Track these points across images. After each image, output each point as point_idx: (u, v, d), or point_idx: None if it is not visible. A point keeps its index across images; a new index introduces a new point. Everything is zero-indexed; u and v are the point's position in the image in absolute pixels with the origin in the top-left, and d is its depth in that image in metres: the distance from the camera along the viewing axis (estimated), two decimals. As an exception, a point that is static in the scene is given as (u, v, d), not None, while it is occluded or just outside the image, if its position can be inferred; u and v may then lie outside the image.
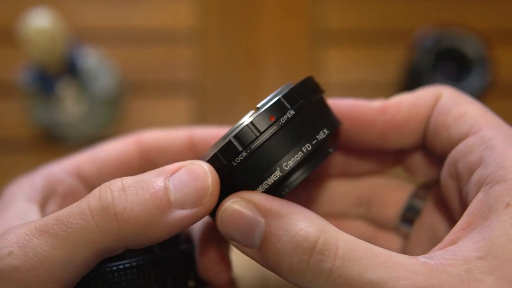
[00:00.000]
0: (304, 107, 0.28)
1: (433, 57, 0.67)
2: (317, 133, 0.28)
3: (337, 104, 0.32)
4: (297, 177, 0.28)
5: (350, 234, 0.37)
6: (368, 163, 0.36)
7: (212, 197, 0.27)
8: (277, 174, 0.27)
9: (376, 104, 0.32)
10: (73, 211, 0.26)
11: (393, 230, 0.36)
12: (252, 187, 0.27)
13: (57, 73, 0.64)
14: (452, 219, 0.32)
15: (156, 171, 0.27)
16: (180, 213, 0.26)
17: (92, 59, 0.68)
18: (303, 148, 0.27)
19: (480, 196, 0.26)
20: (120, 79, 0.71)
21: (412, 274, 0.23)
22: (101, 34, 0.74)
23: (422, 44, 0.69)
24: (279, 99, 0.27)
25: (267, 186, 0.27)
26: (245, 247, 0.27)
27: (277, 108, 0.27)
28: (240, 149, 0.27)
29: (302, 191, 0.37)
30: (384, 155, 0.36)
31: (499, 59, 0.70)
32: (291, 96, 0.27)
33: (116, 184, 0.26)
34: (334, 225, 0.29)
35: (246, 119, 0.27)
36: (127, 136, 0.36)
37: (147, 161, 0.35)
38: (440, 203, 0.33)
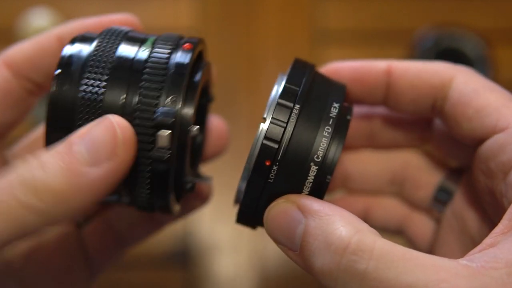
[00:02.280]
0: (305, 95, 0.28)
1: (433, 57, 0.67)
2: (329, 110, 0.28)
3: (343, 66, 0.32)
4: (332, 160, 0.28)
5: (385, 212, 0.37)
6: (393, 135, 0.36)
7: (125, 145, 0.26)
8: (313, 169, 0.27)
9: (382, 65, 0.32)
10: None
11: (426, 211, 0.36)
12: (298, 191, 0.27)
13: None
14: (482, 212, 0.31)
15: (68, 139, 0.26)
16: (96, 171, 0.25)
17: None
18: (324, 133, 0.27)
19: None
20: (120, 79, 0.70)
21: (454, 277, 0.23)
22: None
23: (422, 44, 0.69)
24: (278, 102, 0.27)
25: (310, 184, 0.27)
26: (289, 250, 0.27)
27: (282, 111, 0.27)
28: (269, 165, 0.27)
29: (337, 170, 0.37)
30: (409, 129, 0.35)
31: (499, 59, 0.70)
32: (289, 92, 0.28)
33: (32, 160, 0.26)
34: (369, 202, 0.29)
35: (260, 135, 0.27)
36: None
37: (25, 80, 0.33)
38: (471, 192, 0.33)
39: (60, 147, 0.26)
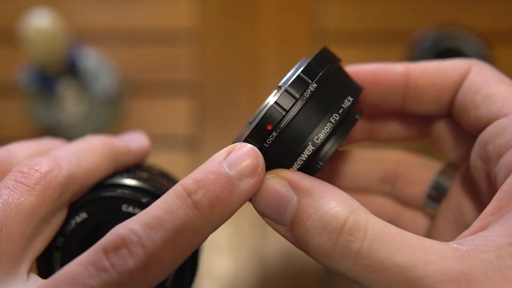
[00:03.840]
0: (325, 78, 0.28)
1: (433, 57, 0.67)
2: (342, 101, 0.28)
3: (362, 68, 0.32)
4: (329, 148, 0.28)
5: (375, 211, 0.37)
6: (393, 129, 0.36)
7: (263, 166, 0.27)
8: (310, 148, 0.27)
9: (400, 67, 0.32)
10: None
11: (419, 209, 0.36)
12: (288, 165, 0.28)
13: (57, 73, 0.64)
14: (480, 201, 0.32)
15: (212, 161, 0.27)
16: (244, 184, 0.26)
17: (92, 59, 0.68)
18: (331, 119, 0.27)
19: (510, 180, 0.26)
20: (120, 79, 0.71)
21: (442, 259, 0.23)
22: (101, 34, 0.74)
23: (421, 44, 0.69)
24: (299, 75, 0.28)
25: (302, 162, 0.27)
26: (276, 224, 0.27)
27: (299, 84, 0.27)
28: (269, 130, 0.27)
29: (327, 165, 0.37)
30: (409, 123, 0.35)
31: (499, 59, 0.70)
32: (311, 70, 0.28)
33: (189, 184, 0.26)
34: (359, 200, 0.30)
35: (271, 99, 0.28)
36: None
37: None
38: (468, 183, 0.33)
39: (210, 167, 0.27)
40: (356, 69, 0.32)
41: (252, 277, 0.62)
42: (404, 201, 0.37)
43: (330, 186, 0.27)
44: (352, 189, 0.38)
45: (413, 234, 0.25)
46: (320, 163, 0.28)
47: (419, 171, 0.36)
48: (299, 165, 0.28)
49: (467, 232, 0.26)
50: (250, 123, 0.28)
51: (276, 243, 0.62)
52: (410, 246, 0.24)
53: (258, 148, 0.27)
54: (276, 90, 0.28)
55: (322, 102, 0.28)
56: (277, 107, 0.27)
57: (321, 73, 0.28)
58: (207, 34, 0.74)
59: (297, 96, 0.27)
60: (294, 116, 0.27)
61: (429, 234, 0.35)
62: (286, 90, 0.27)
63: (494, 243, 0.24)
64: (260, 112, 0.28)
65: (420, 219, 0.36)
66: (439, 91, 0.31)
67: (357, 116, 0.29)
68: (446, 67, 0.31)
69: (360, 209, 0.25)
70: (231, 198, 0.26)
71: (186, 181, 0.26)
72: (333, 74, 0.29)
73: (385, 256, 0.24)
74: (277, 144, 0.27)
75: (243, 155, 0.27)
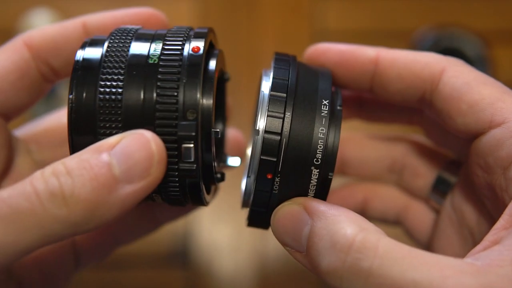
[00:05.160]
0: (293, 99, 0.27)
1: (433, 57, 0.67)
2: (320, 110, 0.28)
3: (332, 47, 0.32)
4: (331, 155, 0.28)
5: (384, 203, 0.37)
6: (381, 110, 0.36)
7: (159, 165, 0.26)
8: (315, 173, 0.27)
9: (371, 52, 0.32)
10: (17, 192, 0.24)
11: (425, 201, 0.36)
12: (303, 193, 0.28)
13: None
14: (480, 205, 0.31)
15: (95, 147, 0.25)
16: (128, 188, 0.25)
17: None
18: (320, 135, 0.27)
19: None
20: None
21: (458, 274, 0.23)
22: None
23: (421, 44, 0.69)
24: (268, 114, 0.27)
25: (314, 187, 0.28)
26: (296, 252, 0.27)
27: (274, 122, 0.27)
28: (271, 178, 0.27)
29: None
30: (397, 109, 0.35)
31: (499, 59, 0.70)
32: (278, 102, 0.27)
33: (59, 168, 0.25)
34: (369, 189, 0.29)
35: (256, 151, 0.27)
36: (13, 41, 0.32)
37: (43, 63, 0.32)
38: (469, 186, 0.32)
39: (88, 155, 0.25)
40: (326, 49, 0.32)
41: (252, 277, 0.62)
42: (411, 192, 0.36)
43: (343, 208, 0.26)
44: (361, 177, 0.38)
45: (425, 251, 0.24)
46: (330, 174, 0.28)
47: (425, 163, 0.36)
48: (314, 191, 0.28)
49: (479, 247, 0.25)
50: (255, 179, 0.28)
51: (276, 243, 0.62)
52: (424, 262, 0.23)
53: (270, 197, 0.27)
54: (256, 136, 0.28)
55: (303, 123, 0.27)
56: (267, 160, 0.27)
57: (286, 100, 0.27)
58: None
59: (278, 136, 0.27)
60: (285, 154, 0.27)
61: (434, 231, 0.35)
62: (267, 135, 0.27)
63: (509, 257, 0.23)
64: (252, 164, 0.28)
65: (426, 213, 0.36)
66: (406, 85, 0.31)
67: (339, 107, 0.29)
68: (417, 62, 0.30)
69: (371, 229, 0.25)
70: (108, 202, 0.25)
71: (57, 168, 0.25)
72: (297, 84, 0.28)
73: (398, 273, 0.23)
74: (284, 185, 0.27)
75: (136, 146, 0.25)
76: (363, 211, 0.38)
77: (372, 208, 0.37)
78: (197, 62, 0.27)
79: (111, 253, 0.36)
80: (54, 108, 0.66)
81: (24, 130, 0.35)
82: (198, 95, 0.27)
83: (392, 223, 0.37)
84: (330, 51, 0.32)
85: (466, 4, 0.76)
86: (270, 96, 0.27)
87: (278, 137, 0.27)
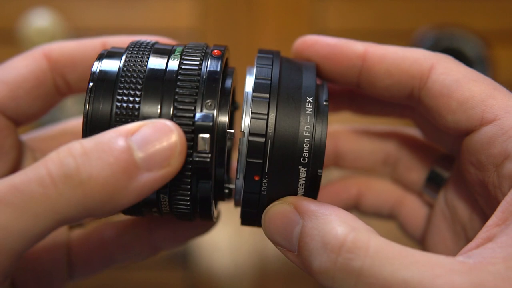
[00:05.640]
0: (277, 98, 0.27)
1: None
2: (305, 107, 0.27)
3: (320, 40, 0.32)
4: (318, 152, 0.27)
5: (378, 197, 0.36)
6: (371, 102, 0.35)
7: (180, 156, 0.25)
8: (303, 171, 0.27)
9: (359, 47, 0.31)
10: (29, 177, 0.23)
11: (419, 195, 0.36)
12: (293, 193, 0.28)
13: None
14: (473, 201, 0.31)
15: (115, 130, 0.25)
16: (147, 176, 0.24)
17: (92, 59, 0.68)
18: (305, 133, 0.27)
19: None
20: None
21: (449, 272, 0.23)
22: (101, 34, 0.74)
23: (421, 44, 0.69)
24: (252, 116, 0.27)
25: (303, 185, 0.27)
26: (288, 251, 0.27)
27: (258, 123, 0.27)
28: (258, 179, 0.27)
29: (331, 145, 0.36)
30: (388, 103, 0.35)
31: (499, 59, 0.70)
32: (261, 104, 0.27)
33: (76, 148, 0.24)
34: (364, 182, 0.28)
35: (242, 153, 0.27)
36: (33, 50, 0.32)
37: (59, 76, 0.32)
38: (461, 182, 0.32)
39: (108, 138, 0.24)
40: (314, 41, 0.32)
41: (252, 277, 0.62)
42: (405, 185, 0.36)
43: (334, 208, 0.26)
44: (355, 170, 0.37)
45: (416, 250, 0.24)
46: (320, 170, 0.28)
47: (419, 157, 0.36)
48: (303, 189, 0.28)
49: (472, 244, 0.25)
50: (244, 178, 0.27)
51: (276, 243, 0.62)
52: (414, 261, 0.23)
53: (260, 197, 0.27)
54: (241, 137, 0.28)
55: (287, 123, 0.27)
56: (253, 163, 0.27)
57: (269, 101, 0.27)
58: (207, 34, 0.74)
59: (265, 116, 0.27)
60: (272, 148, 0.27)
61: (427, 226, 0.35)
62: (252, 137, 0.27)
63: (501, 254, 0.23)
64: (241, 165, 0.27)
65: (420, 207, 0.36)
66: (394, 82, 0.30)
67: (325, 103, 0.28)
68: (405, 58, 0.30)
69: (362, 228, 0.25)
70: (126, 188, 0.24)
71: (73, 147, 0.24)
72: (279, 84, 0.28)
73: (389, 273, 0.23)
74: (273, 184, 0.27)
75: (158, 134, 0.25)
76: (357, 205, 0.38)
77: (366, 202, 0.37)
78: (215, 78, 0.27)
79: (104, 270, 0.36)
80: (54, 108, 0.66)
81: (29, 137, 0.35)
82: (215, 112, 0.27)
83: (386, 217, 0.37)
84: (317, 44, 0.32)
85: (466, 4, 0.76)
86: (253, 97, 0.27)
87: (263, 139, 0.27)
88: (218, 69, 0.28)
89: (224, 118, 0.28)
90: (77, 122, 0.36)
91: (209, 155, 0.26)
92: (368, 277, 0.23)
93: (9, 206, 0.23)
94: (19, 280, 0.32)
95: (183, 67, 0.28)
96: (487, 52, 0.69)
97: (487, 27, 0.73)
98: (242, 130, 0.27)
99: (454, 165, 0.34)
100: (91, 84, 0.27)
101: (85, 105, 0.27)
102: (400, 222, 0.37)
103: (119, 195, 0.24)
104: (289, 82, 0.28)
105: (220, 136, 0.27)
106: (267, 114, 0.27)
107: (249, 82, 0.29)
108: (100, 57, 0.29)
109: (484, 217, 0.30)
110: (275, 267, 0.63)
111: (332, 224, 0.25)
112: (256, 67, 0.28)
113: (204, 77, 0.27)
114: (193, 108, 0.27)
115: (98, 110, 0.27)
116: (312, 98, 0.28)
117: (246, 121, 0.27)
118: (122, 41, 0.32)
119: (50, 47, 0.32)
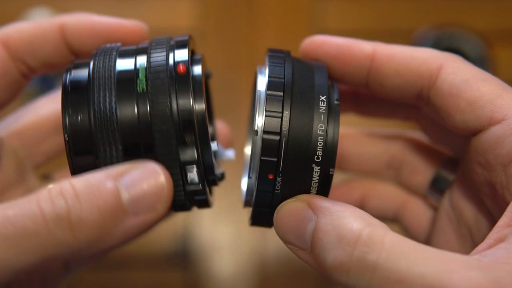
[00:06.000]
0: (290, 97, 0.27)
1: (433, 57, 0.67)
2: (318, 106, 0.28)
3: (329, 40, 0.32)
4: (331, 151, 0.28)
5: (382, 200, 0.36)
6: (377, 104, 0.35)
7: (166, 202, 0.26)
8: (316, 169, 0.27)
9: (368, 47, 0.31)
10: (22, 212, 0.24)
11: (423, 198, 0.36)
12: (306, 191, 0.28)
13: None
14: (479, 202, 0.31)
15: (105, 172, 0.25)
16: (134, 220, 0.25)
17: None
18: (319, 131, 0.27)
19: None
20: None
21: (466, 268, 0.23)
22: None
23: (421, 44, 0.69)
24: (266, 114, 0.27)
25: (316, 184, 0.27)
26: (299, 250, 0.27)
27: (272, 122, 0.27)
28: (272, 178, 0.27)
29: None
30: (394, 105, 0.35)
31: (499, 59, 0.70)
32: (275, 102, 0.27)
33: (66, 188, 0.25)
34: (368, 186, 0.28)
35: (256, 152, 0.27)
36: None
37: (21, 63, 0.32)
38: (466, 183, 0.32)
39: (97, 180, 0.25)
40: (323, 41, 0.32)
41: (252, 277, 0.62)
42: (409, 188, 0.36)
43: (347, 205, 0.26)
44: (359, 173, 0.37)
45: (431, 247, 0.24)
46: (331, 169, 0.28)
47: (424, 160, 0.36)
48: (316, 188, 0.28)
49: (483, 245, 0.25)
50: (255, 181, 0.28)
51: (276, 243, 0.62)
52: (430, 257, 0.23)
53: (273, 196, 0.27)
54: (255, 136, 0.28)
55: (302, 121, 0.27)
56: (268, 162, 0.27)
57: (283, 100, 0.27)
58: (207, 34, 0.74)
59: (279, 115, 0.27)
60: (285, 151, 0.27)
61: (432, 229, 0.35)
62: (266, 135, 0.27)
63: None
64: (253, 167, 0.28)
65: (424, 210, 0.36)
66: (403, 81, 0.30)
67: (336, 102, 0.28)
68: (414, 58, 0.30)
69: (377, 224, 0.25)
70: (113, 231, 0.25)
71: (64, 188, 0.24)
72: (296, 79, 0.28)
73: (405, 267, 0.23)
74: (286, 183, 0.27)
75: (146, 178, 0.25)
76: (361, 209, 0.37)
77: (370, 205, 0.37)
78: (184, 75, 0.28)
79: (102, 260, 0.36)
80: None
81: (2, 127, 0.35)
82: (191, 102, 0.27)
83: (390, 220, 0.37)
84: (326, 44, 0.32)
85: (466, 4, 0.76)
86: (267, 95, 0.27)
87: (277, 137, 0.27)
88: (185, 59, 0.28)
89: (201, 106, 0.28)
90: (49, 107, 0.36)
91: (200, 185, 0.27)
92: (384, 271, 0.23)
93: (0, 237, 0.23)
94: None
95: (151, 64, 0.28)
96: (487, 52, 0.69)
97: (487, 27, 0.73)
98: (256, 128, 0.27)
99: (459, 168, 0.33)
100: (63, 96, 0.27)
101: (62, 117, 0.27)
102: (405, 225, 0.37)
103: (106, 237, 0.25)
104: (301, 80, 0.28)
105: (201, 125, 0.28)
106: (282, 112, 0.27)
107: (262, 81, 0.29)
108: (67, 70, 0.29)
109: (490, 218, 0.30)
110: (275, 268, 0.62)
111: (347, 219, 0.25)
112: (269, 65, 0.28)
113: (173, 71, 0.28)
114: (168, 108, 0.27)
115: (78, 122, 0.27)
116: (325, 97, 0.28)
117: (260, 119, 0.27)
118: (80, 24, 0.33)
119: (7, 34, 0.32)
